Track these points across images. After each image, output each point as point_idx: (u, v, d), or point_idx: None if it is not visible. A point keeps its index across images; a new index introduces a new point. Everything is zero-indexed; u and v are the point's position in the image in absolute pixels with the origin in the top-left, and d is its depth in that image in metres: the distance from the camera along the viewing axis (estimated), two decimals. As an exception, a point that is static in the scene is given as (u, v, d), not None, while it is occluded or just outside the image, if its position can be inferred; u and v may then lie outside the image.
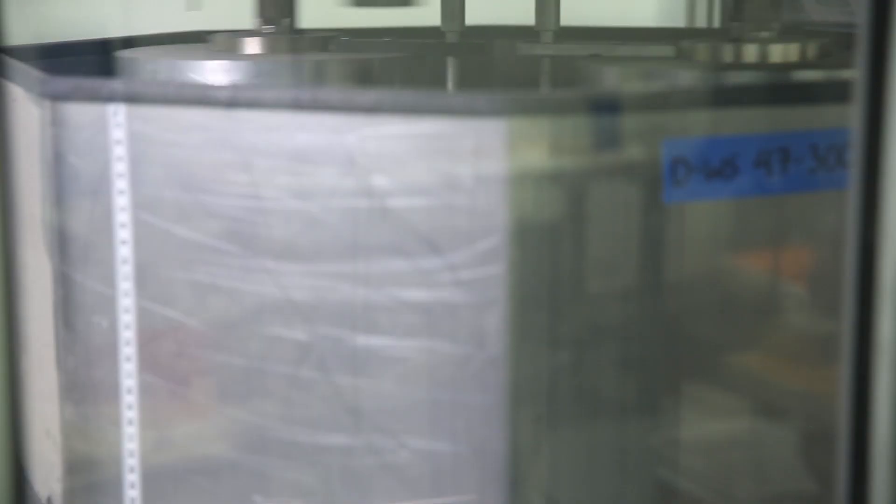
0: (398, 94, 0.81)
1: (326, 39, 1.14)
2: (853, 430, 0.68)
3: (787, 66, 1.02)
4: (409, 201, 0.80)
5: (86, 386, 0.88)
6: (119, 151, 0.85)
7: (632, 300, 0.81)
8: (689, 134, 0.81)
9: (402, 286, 0.80)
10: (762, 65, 1.02)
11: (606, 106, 0.80)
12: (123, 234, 0.85)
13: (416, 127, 0.79)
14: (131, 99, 0.85)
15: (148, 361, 0.86)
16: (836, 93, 0.83)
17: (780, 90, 0.85)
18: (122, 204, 0.85)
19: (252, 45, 1.11)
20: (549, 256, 0.79)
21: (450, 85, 1.18)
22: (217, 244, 0.83)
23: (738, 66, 1.03)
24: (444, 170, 0.79)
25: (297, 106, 0.81)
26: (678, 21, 1.53)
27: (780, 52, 1.02)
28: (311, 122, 0.81)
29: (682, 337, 0.83)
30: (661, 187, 0.81)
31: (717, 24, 1.49)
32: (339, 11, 1.21)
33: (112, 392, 0.88)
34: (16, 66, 0.93)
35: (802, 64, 1.02)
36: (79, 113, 0.86)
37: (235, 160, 0.83)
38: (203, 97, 0.83)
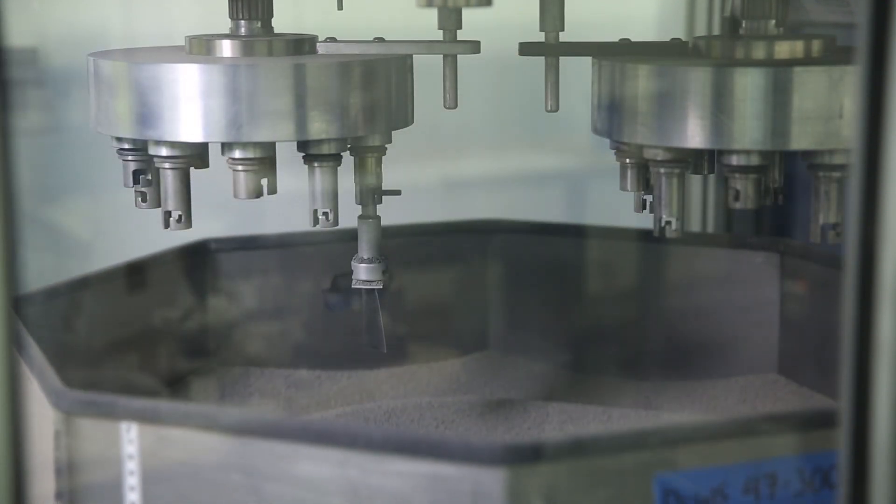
0: (401, 435, 0.84)
1: (301, 42, 1.11)
2: (853, 430, 0.68)
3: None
4: (411, 536, 0.81)
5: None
6: (131, 466, 0.86)
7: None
8: (680, 466, 0.82)
9: None
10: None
11: (602, 448, 0.82)
12: (135, 544, 0.87)
13: (417, 467, 0.81)
14: (144, 418, 0.86)
15: None
16: (821, 421, 0.85)
17: (767, 422, 0.86)
18: (134, 514, 0.87)
19: (227, 48, 1.08)
20: None
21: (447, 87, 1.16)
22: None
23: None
24: (445, 508, 0.80)
25: (305, 438, 0.83)
26: (678, 24, 1.53)
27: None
28: (318, 454, 0.82)
29: None
30: (655, 518, 0.82)
31: (716, 28, 1.49)
32: (338, 14, 1.20)
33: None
34: (36, 363, 0.94)
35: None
36: (92, 426, 0.87)
37: (244, 484, 0.84)
38: (214, 422, 0.85)
